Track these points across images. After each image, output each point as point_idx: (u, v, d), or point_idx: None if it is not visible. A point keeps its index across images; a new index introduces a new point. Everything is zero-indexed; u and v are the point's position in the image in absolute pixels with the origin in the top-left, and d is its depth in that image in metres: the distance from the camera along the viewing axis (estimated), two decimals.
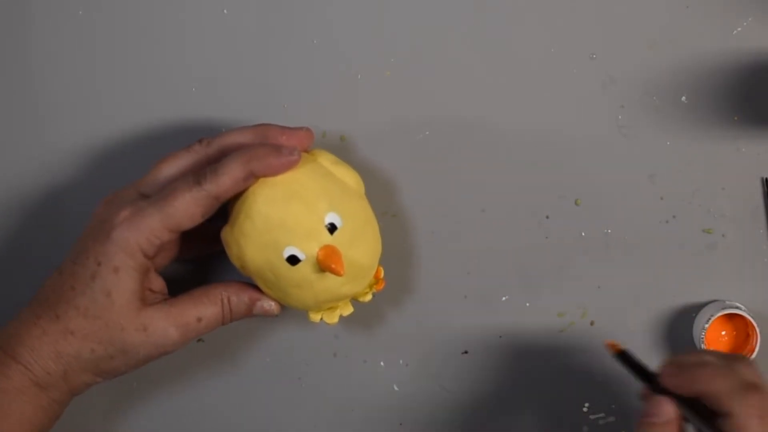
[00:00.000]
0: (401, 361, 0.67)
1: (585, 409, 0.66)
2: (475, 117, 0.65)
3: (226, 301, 0.58)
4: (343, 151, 0.65)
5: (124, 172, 0.64)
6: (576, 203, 0.65)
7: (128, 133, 0.66)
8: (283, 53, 0.65)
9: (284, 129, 0.59)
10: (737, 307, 0.63)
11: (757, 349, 0.62)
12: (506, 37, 0.64)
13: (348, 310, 0.60)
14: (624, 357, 0.57)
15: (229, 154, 0.56)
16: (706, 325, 0.62)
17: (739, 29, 0.63)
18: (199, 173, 0.55)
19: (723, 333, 0.65)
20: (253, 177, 0.55)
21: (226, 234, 0.57)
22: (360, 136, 0.65)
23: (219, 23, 0.65)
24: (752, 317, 0.62)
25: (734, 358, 0.55)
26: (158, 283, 0.58)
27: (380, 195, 0.65)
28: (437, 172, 0.65)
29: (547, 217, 0.65)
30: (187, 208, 0.55)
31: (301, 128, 0.59)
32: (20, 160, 0.66)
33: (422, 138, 0.65)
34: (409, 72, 0.65)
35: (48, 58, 0.65)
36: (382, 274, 0.61)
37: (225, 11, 0.65)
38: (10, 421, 0.55)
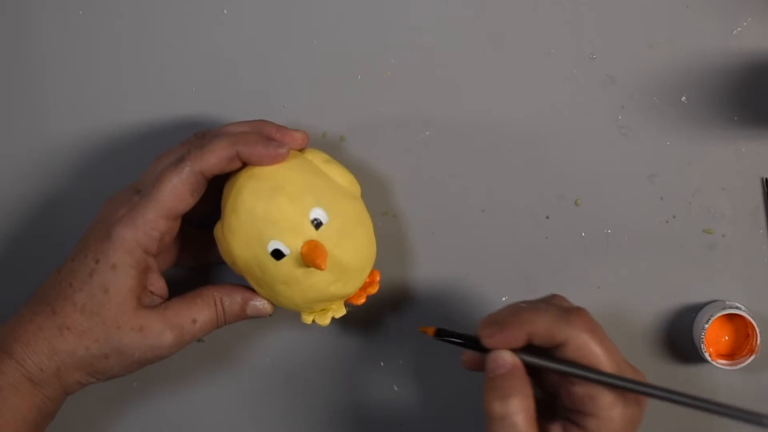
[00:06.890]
0: (401, 361, 0.66)
1: None
2: (475, 117, 0.65)
3: (218, 302, 0.58)
4: (343, 151, 0.65)
5: (123, 172, 0.64)
6: (576, 203, 0.65)
7: (128, 133, 0.66)
8: (283, 53, 0.65)
9: (280, 128, 0.59)
10: (737, 307, 0.62)
11: (757, 349, 0.62)
12: (506, 37, 0.64)
13: (340, 312, 0.60)
14: (442, 334, 0.56)
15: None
16: (706, 325, 0.62)
17: (739, 29, 0.63)
18: (182, 153, 0.56)
19: (714, 328, 0.65)
20: (238, 159, 0.56)
21: (217, 231, 0.57)
22: (360, 137, 0.65)
23: (219, 23, 0.65)
24: (752, 317, 0.62)
25: (544, 297, 0.55)
26: (160, 285, 0.58)
27: (380, 195, 0.65)
28: (437, 172, 0.65)
29: (547, 217, 0.65)
30: (175, 189, 0.55)
31: (297, 130, 0.59)
32: (19, 160, 0.66)
33: (422, 138, 0.65)
34: (409, 72, 0.65)
35: (48, 58, 0.65)
36: (378, 278, 0.61)
37: (225, 11, 0.65)
38: (4, 416, 0.55)
